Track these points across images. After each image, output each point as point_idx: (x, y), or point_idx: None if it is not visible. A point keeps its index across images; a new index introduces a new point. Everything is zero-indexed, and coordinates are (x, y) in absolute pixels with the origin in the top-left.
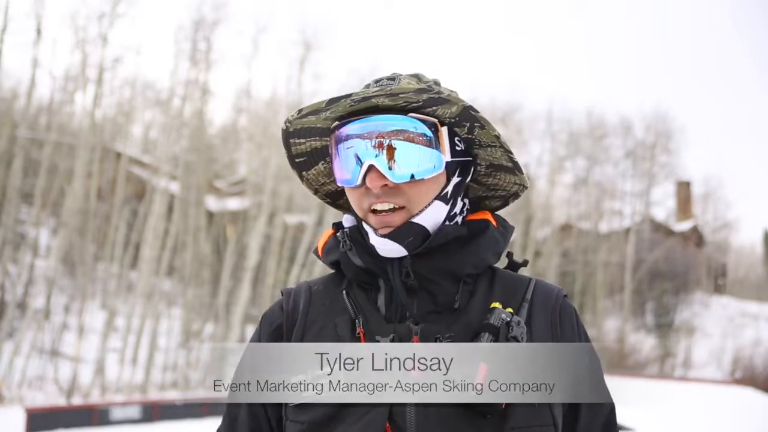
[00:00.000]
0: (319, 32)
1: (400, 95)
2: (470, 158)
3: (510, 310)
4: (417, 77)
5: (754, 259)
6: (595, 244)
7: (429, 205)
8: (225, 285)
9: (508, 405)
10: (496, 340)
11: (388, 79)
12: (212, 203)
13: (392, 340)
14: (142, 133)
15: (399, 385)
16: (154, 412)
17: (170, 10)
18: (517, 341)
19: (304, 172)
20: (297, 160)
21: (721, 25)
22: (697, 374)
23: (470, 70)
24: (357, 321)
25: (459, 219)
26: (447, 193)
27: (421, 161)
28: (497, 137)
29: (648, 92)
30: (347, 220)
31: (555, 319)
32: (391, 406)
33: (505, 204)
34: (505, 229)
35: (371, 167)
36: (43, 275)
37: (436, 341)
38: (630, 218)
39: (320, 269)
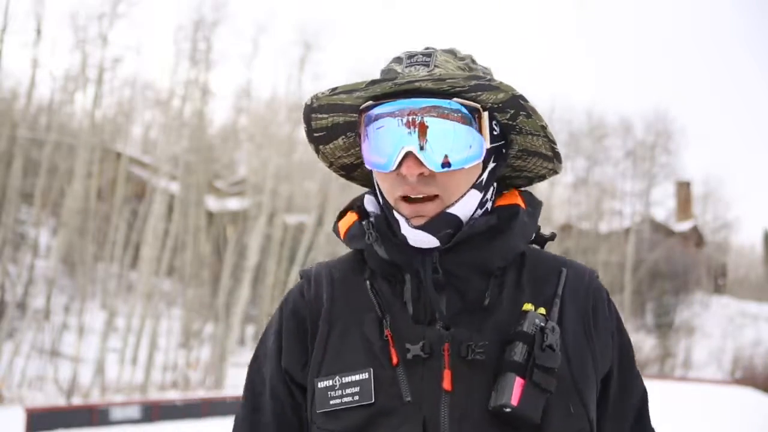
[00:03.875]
0: (319, 32)
1: (447, 80)
2: (503, 142)
3: (542, 311)
4: (453, 53)
5: (754, 259)
6: (595, 244)
7: (465, 194)
8: (225, 285)
9: (544, 417)
10: (531, 350)
11: (423, 54)
12: (212, 203)
13: (422, 348)
14: (142, 133)
15: (433, 397)
16: (154, 412)
17: (170, 10)
18: (553, 350)
19: (321, 146)
20: (316, 134)
21: (721, 25)
22: (697, 374)
23: None
24: (384, 321)
25: (489, 205)
26: (482, 180)
27: (457, 144)
28: (544, 128)
29: (648, 92)
30: (370, 203)
31: (587, 308)
32: (425, 418)
33: (529, 183)
34: (534, 208)
35: (408, 153)
36: (43, 275)
37: (468, 350)
38: (630, 218)
39: None
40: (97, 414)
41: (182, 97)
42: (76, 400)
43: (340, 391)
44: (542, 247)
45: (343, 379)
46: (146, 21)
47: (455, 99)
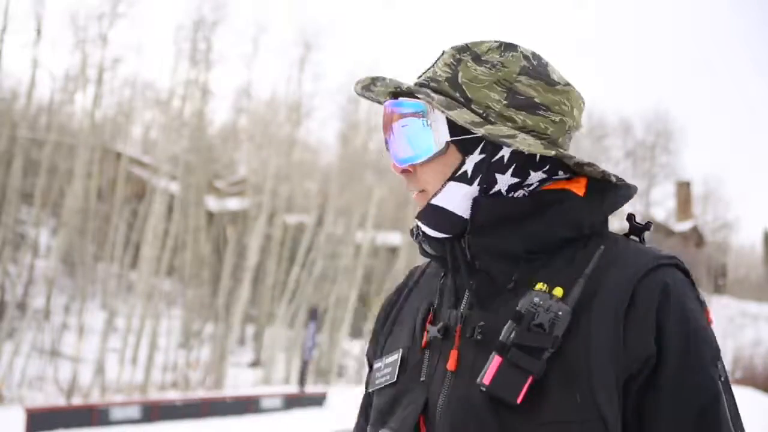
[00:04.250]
0: (319, 32)
1: (405, 85)
2: (475, 135)
3: (558, 290)
4: (460, 50)
5: (754, 259)
6: None
7: (443, 187)
8: (225, 285)
9: (538, 398)
10: (517, 330)
11: (440, 53)
12: (212, 203)
13: (439, 330)
14: (142, 133)
15: (440, 377)
16: (154, 412)
17: (170, 10)
18: (543, 329)
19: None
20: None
21: (721, 25)
22: None
23: None
24: (432, 306)
25: (525, 191)
26: (466, 172)
27: (412, 141)
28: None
29: (648, 92)
30: None
31: (626, 295)
32: (428, 398)
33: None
34: (602, 196)
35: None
36: (43, 275)
37: (473, 330)
38: None
39: (319, 269)
40: (97, 414)
41: (182, 97)
42: (76, 400)
43: (381, 372)
44: (639, 237)
45: (386, 360)
46: (146, 21)
47: (402, 98)
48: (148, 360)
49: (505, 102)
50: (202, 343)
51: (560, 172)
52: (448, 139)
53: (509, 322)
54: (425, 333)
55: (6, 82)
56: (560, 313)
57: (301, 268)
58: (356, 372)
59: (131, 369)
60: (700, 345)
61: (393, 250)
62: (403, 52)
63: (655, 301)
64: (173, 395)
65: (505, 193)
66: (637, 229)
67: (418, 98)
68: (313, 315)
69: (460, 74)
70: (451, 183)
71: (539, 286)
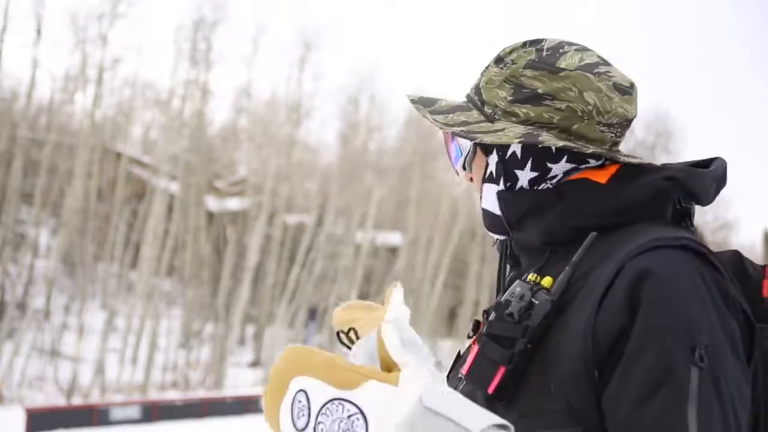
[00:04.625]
0: (319, 32)
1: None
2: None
3: (548, 279)
4: (499, 61)
5: (754, 259)
6: None
7: (482, 189)
8: (225, 285)
9: (515, 389)
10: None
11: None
12: (212, 203)
13: (472, 327)
14: (142, 133)
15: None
16: (154, 412)
17: (170, 10)
18: (513, 318)
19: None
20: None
21: (721, 24)
22: None
23: (471, 70)
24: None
25: (549, 184)
26: (492, 173)
27: (453, 149)
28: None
29: (648, 92)
30: None
31: (608, 279)
32: (456, 387)
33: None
34: (631, 180)
35: None
36: (43, 275)
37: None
38: None
39: (319, 269)
40: (97, 414)
41: (182, 97)
42: (76, 400)
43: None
44: (682, 222)
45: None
46: (146, 21)
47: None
48: (148, 360)
49: (510, 98)
50: (202, 343)
51: (591, 161)
52: (469, 145)
53: (492, 312)
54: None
55: (6, 82)
56: (536, 301)
57: (301, 268)
58: None
59: (131, 369)
60: (667, 325)
61: (393, 250)
62: (403, 52)
63: (628, 286)
64: (173, 395)
65: (528, 188)
66: (678, 213)
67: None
68: (313, 315)
69: (482, 78)
70: (485, 185)
71: (530, 276)
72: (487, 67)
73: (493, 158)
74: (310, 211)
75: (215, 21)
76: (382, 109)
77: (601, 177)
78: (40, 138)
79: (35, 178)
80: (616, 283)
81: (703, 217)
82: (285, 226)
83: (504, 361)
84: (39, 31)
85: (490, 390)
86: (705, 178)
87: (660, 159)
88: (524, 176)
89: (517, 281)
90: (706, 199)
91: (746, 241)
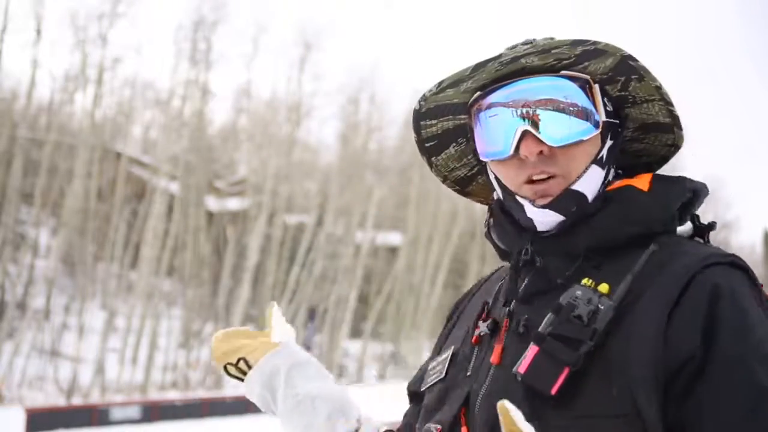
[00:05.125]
0: (319, 32)
1: (552, 51)
2: (618, 121)
3: (604, 286)
4: (551, 39)
5: (754, 259)
6: None
7: (586, 170)
8: (225, 285)
9: (570, 391)
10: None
11: (524, 43)
12: (212, 203)
13: (488, 326)
14: (142, 133)
15: (484, 371)
16: (154, 412)
17: (170, 10)
18: (581, 321)
19: (433, 158)
20: (427, 144)
21: (721, 24)
22: None
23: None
24: (486, 305)
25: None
26: (603, 157)
27: (571, 119)
28: (658, 88)
29: None
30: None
31: (675, 292)
32: (470, 391)
33: (649, 171)
34: (668, 189)
35: (525, 133)
36: (43, 275)
37: (518, 324)
38: None
39: (319, 269)
40: (97, 414)
41: (182, 97)
42: (76, 400)
43: (433, 370)
44: (703, 237)
45: (438, 359)
46: (146, 21)
47: (563, 72)
48: (148, 360)
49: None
50: (202, 343)
51: (619, 171)
52: (604, 119)
53: (550, 314)
54: (477, 329)
55: (6, 82)
56: (601, 306)
57: (301, 268)
58: (356, 372)
59: (131, 369)
60: (751, 345)
61: (393, 250)
62: (403, 52)
63: (705, 301)
64: (173, 395)
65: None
66: (700, 229)
67: (578, 74)
68: (313, 315)
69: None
70: (594, 167)
71: (585, 281)
72: (594, 44)
73: (608, 143)
74: (310, 211)
75: (215, 21)
76: (382, 109)
77: (642, 185)
78: (40, 138)
79: (35, 178)
80: (687, 295)
81: (703, 216)
82: (285, 226)
83: (572, 361)
84: (39, 31)
85: (554, 390)
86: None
87: None
88: (612, 173)
89: (577, 286)
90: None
91: (746, 241)
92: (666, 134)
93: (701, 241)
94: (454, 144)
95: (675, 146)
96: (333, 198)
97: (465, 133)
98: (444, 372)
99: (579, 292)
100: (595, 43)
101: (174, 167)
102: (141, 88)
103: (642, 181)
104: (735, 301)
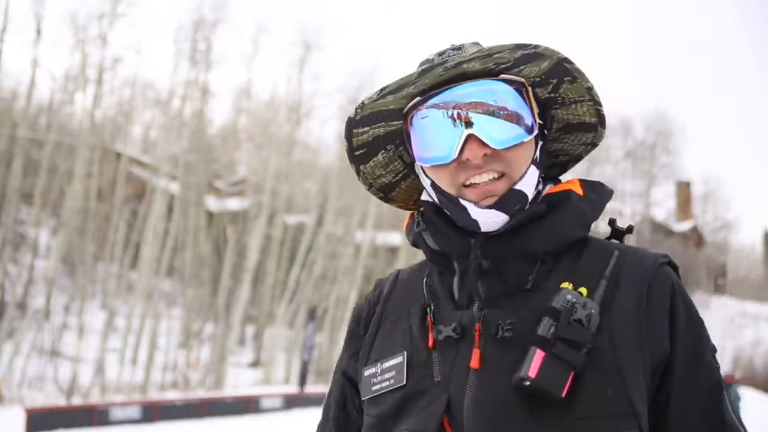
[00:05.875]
0: (319, 32)
1: (495, 55)
2: (543, 122)
3: (583, 290)
4: (479, 44)
5: (754, 259)
6: None
7: (527, 170)
8: (225, 285)
9: (574, 393)
10: (557, 324)
11: (453, 49)
12: (212, 203)
13: (454, 330)
14: (142, 133)
15: (461, 377)
16: (154, 412)
17: (170, 10)
18: (581, 325)
19: (361, 166)
20: (356, 153)
21: (721, 24)
22: None
23: None
24: (429, 309)
25: (539, 188)
26: (537, 157)
27: (510, 129)
28: (589, 89)
29: (648, 92)
30: (425, 196)
31: (642, 293)
32: (450, 398)
33: (563, 171)
34: (599, 195)
35: (470, 137)
36: (43, 275)
37: (498, 328)
38: (630, 218)
39: (319, 269)
40: (97, 414)
41: (182, 97)
42: (76, 400)
43: (380, 377)
44: (620, 240)
45: (383, 365)
46: (146, 21)
47: (502, 76)
48: (148, 360)
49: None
50: (202, 343)
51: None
52: (538, 120)
53: (546, 318)
54: (430, 334)
55: (6, 82)
56: (593, 310)
57: (301, 268)
58: None
59: (131, 369)
60: (703, 339)
61: (393, 250)
62: (403, 52)
63: (667, 300)
64: (173, 395)
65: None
66: (620, 232)
67: (515, 77)
68: (312, 315)
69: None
70: (533, 167)
71: (565, 285)
72: (534, 48)
73: (539, 144)
74: (310, 211)
75: (215, 21)
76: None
77: (578, 189)
78: (40, 138)
79: (35, 178)
80: (652, 294)
81: (704, 217)
82: (285, 226)
83: (579, 365)
84: (39, 31)
85: (564, 393)
86: None
87: (660, 159)
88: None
89: (565, 290)
90: None
91: (746, 241)
92: (588, 133)
93: (618, 242)
94: (383, 151)
95: (593, 144)
96: (333, 198)
97: (394, 140)
98: (404, 378)
99: (569, 296)
100: (535, 47)
101: (174, 167)
102: (141, 88)
103: (576, 186)
104: (683, 296)
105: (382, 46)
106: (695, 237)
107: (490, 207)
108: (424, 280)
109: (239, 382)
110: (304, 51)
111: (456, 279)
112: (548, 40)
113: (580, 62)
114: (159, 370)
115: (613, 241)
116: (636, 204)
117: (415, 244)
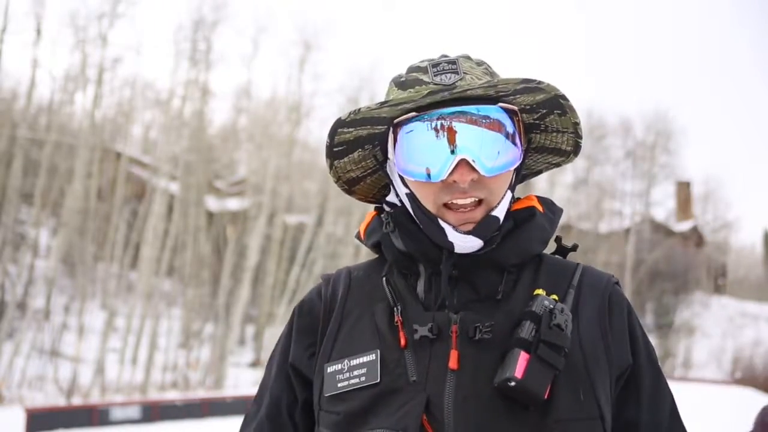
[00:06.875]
0: (319, 32)
1: (499, 86)
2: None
3: (555, 297)
4: (470, 58)
5: (754, 259)
6: (595, 244)
7: (504, 196)
8: (225, 285)
9: (551, 396)
10: (538, 328)
11: (448, 62)
12: (212, 203)
13: (430, 330)
14: (142, 133)
15: (439, 377)
16: (154, 412)
17: (170, 10)
18: (561, 329)
19: (336, 161)
20: (336, 149)
21: (721, 24)
22: (697, 374)
23: None
24: (396, 309)
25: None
26: (512, 182)
27: (501, 148)
28: (576, 124)
29: (648, 92)
30: (392, 197)
31: (603, 306)
32: (429, 397)
33: (522, 180)
34: (553, 213)
35: (462, 161)
36: (43, 275)
37: (476, 330)
38: (630, 218)
39: (319, 269)
40: (97, 414)
41: (182, 97)
42: (76, 400)
43: (347, 374)
44: (564, 257)
45: (351, 362)
46: (146, 21)
47: (500, 104)
48: (148, 360)
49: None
50: (202, 343)
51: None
52: (524, 147)
53: (528, 322)
54: (401, 333)
55: (6, 82)
56: (569, 316)
57: (301, 268)
58: None
59: (131, 369)
60: (654, 355)
61: None
62: (403, 52)
63: (625, 318)
64: (173, 395)
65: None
66: (565, 250)
67: (510, 105)
68: None
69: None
70: (508, 192)
71: (539, 292)
72: (538, 84)
73: (517, 170)
74: (310, 211)
75: (215, 21)
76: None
77: (538, 206)
78: (40, 138)
79: (35, 178)
80: (612, 310)
81: (704, 217)
82: (285, 226)
83: (560, 367)
84: (39, 31)
85: (547, 395)
86: None
87: (660, 159)
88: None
89: (540, 296)
90: None
91: (746, 241)
92: (559, 157)
93: (562, 258)
94: (360, 150)
95: (557, 165)
96: (333, 198)
97: (373, 141)
98: (378, 376)
99: (547, 302)
100: (539, 83)
101: (174, 167)
102: (141, 88)
103: (536, 203)
104: (636, 315)
105: (382, 46)
106: (695, 237)
107: (468, 233)
108: (384, 279)
109: (239, 382)
110: (304, 51)
111: (422, 282)
112: (548, 41)
113: (580, 62)
114: (159, 370)
115: (557, 257)
116: (636, 204)
117: (377, 245)
